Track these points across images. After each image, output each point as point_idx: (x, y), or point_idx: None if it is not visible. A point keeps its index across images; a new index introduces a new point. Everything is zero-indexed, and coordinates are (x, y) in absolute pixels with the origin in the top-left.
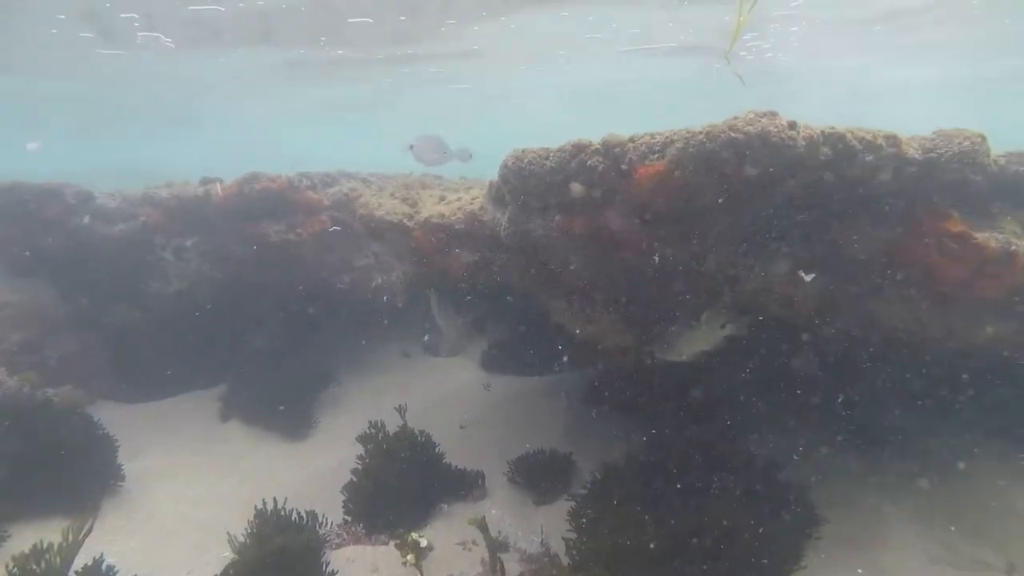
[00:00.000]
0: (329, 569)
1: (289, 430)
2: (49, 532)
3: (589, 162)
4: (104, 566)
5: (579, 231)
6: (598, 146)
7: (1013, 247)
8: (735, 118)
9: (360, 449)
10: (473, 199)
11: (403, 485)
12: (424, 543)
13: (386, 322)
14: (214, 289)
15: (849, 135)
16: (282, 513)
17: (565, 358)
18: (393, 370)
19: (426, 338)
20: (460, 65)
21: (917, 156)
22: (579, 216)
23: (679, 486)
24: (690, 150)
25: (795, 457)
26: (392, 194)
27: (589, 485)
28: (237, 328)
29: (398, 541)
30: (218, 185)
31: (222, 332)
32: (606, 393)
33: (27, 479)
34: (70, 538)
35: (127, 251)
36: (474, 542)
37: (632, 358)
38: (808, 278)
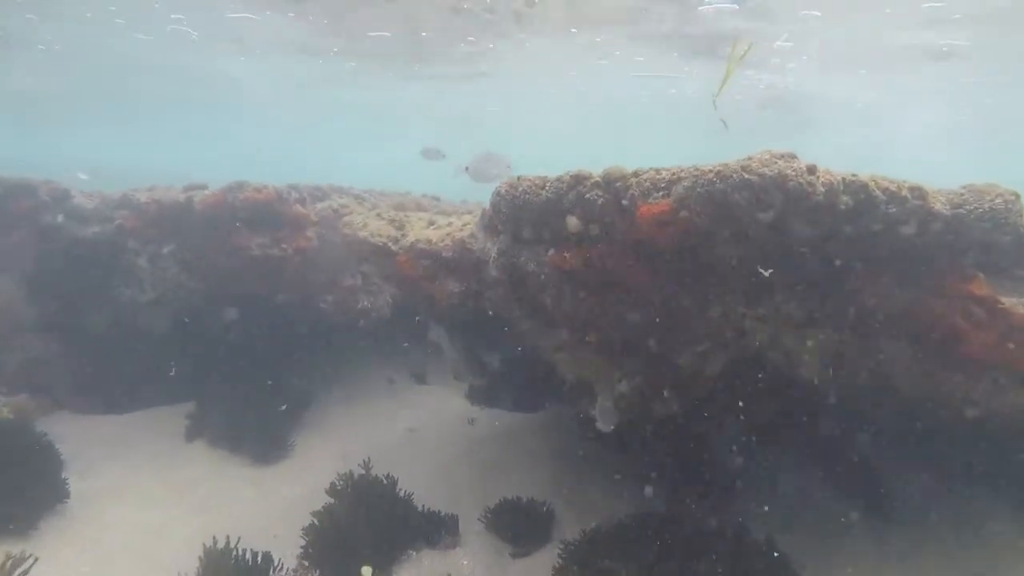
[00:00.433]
0: None
1: (258, 454)
2: None
3: (588, 195)
4: None
5: (573, 268)
6: (598, 179)
7: None
8: (749, 158)
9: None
10: (464, 225)
11: (368, 529)
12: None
13: (371, 346)
14: (191, 300)
15: (872, 184)
16: (235, 553)
17: (555, 398)
18: (376, 396)
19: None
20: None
21: (944, 211)
22: (574, 252)
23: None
24: (698, 190)
25: (796, 523)
26: (379, 215)
27: (573, 546)
28: (212, 343)
29: None
30: (201, 192)
31: (196, 346)
32: (598, 439)
33: None
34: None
35: (100, 255)
36: None
37: (625, 406)
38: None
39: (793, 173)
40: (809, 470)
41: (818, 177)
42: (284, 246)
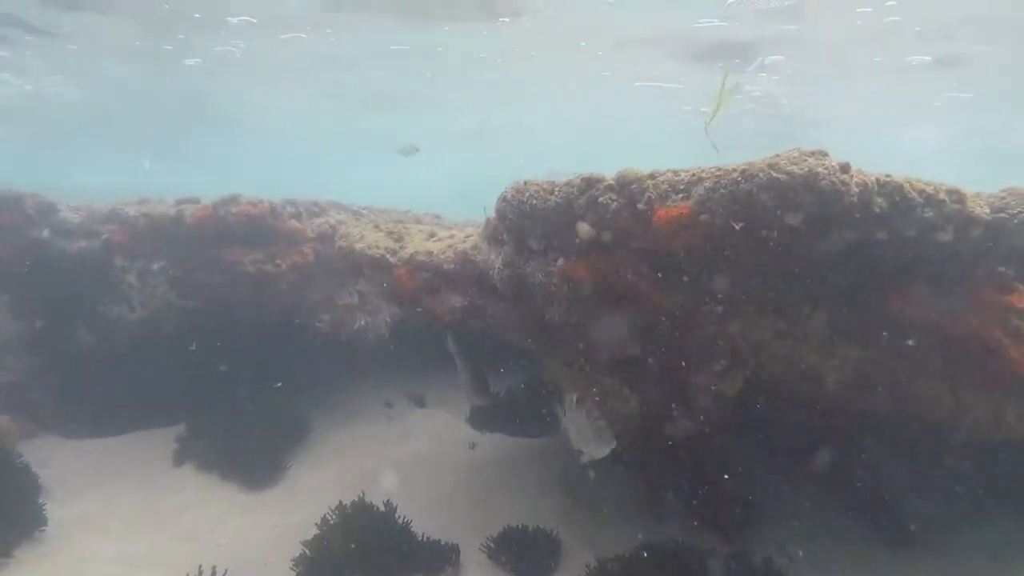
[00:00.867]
0: None
1: (250, 479)
2: None
3: (601, 199)
4: None
5: (584, 278)
6: (611, 181)
7: None
8: (777, 156)
9: (327, 506)
10: (466, 237)
11: (363, 559)
12: None
13: (368, 367)
14: (181, 319)
15: (907, 186)
16: None
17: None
18: (373, 421)
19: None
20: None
21: (984, 216)
22: (585, 261)
23: None
24: (721, 191)
25: (817, 551)
26: (377, 227)
27: None
28: (203, 363)
29: None
30: (193, 206)
31: (186, 367)
32: (607, 464)
33: None
34: None
35: (87, 271)
36: None
37: (637, 429)
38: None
39: (825, 172)
40: (830, 495)
41: (851, 177)
42: (279, 262)
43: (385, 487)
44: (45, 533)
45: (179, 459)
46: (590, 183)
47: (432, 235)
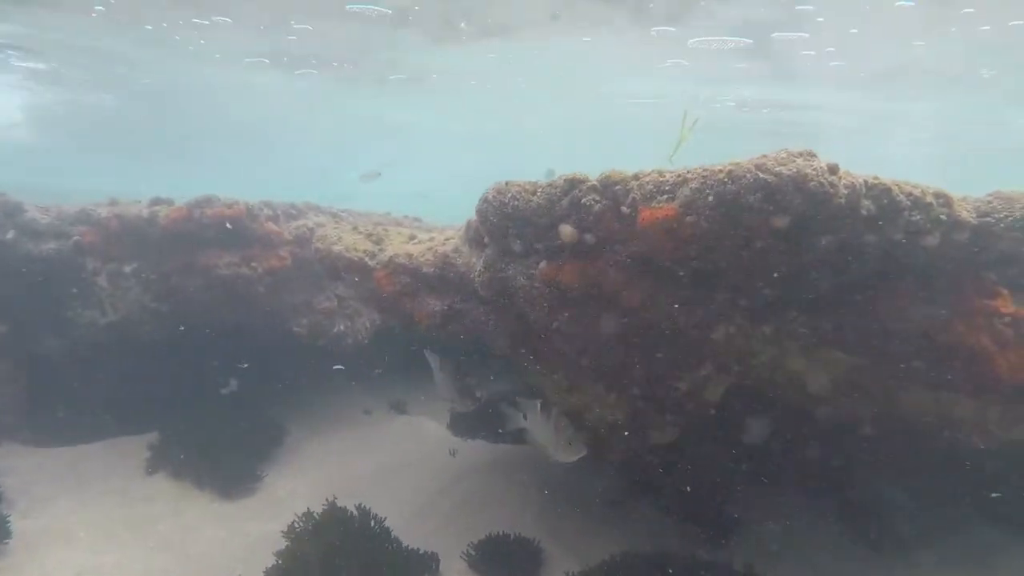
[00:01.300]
0: None
1: (225, 488)
2: None
3: (584, 200)
4: None
5: (567, 282)
6: (595, 182)
7: None
8: (764, 156)
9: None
10: (447, 239)
11: (338, 570)
12: None
13: (348, 373)
14: (154, 323)
15: (896, 188)
16: None
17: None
18: (352, 427)
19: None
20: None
21: (971, 220)
22: (568, 264)
23: None
24: (707, 192)
25: (802, 560)
26: (356, 229)
27: None
28: (177, 369)
29: None
30: (167, 207)
31: (159, 372)
32: (590, 471)
33: None
34: None
35: (55, 273)
36: None
37: (620, 436)
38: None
39: (813, 172)
40: (815, 502)
41: (840, 178)
42: (255, 265)
43: (363, 495)
44: (8, 546)
45: (152, 467)
46: (573, 184)
47: (412, 237)
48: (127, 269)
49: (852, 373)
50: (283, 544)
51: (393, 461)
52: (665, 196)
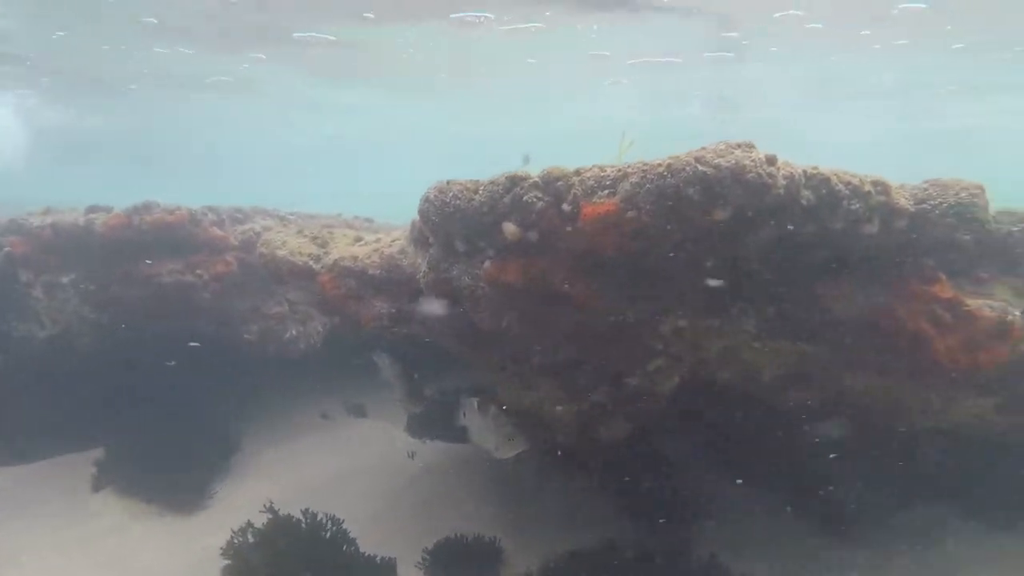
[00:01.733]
0: None
1: (176, 503)
2: None
3: (525, 198)
4: None
5: (512, 281)
6: (537, 179)
7: (1009, 317)
8: (704, 148)
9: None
10: (393, 241)
11: None
12: None
13: (302, 379)
14: (95, 335)
15: (834, 178)
16: None
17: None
18: (309, 433)
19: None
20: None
21: (908, 207)
22: (513, 262)
23: None
24: (647, 186)
25: (759, 547)
26: (300, 232)
27: None
28: (122, 382)
29: None
30: (105, 215)
31: (103, 386)
32: (548, 467)
33: None
34: None
35: None
36: None
37: (574, 433)
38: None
39: (752, 164)
40: (770, 489)
41: (778, 169)
42: (200, 272)
43: (321, 501)
44: None
45: (97, 484)
46: (514, 181)
47: (358, 239)
48: (64, 280)
49: (802, 362)
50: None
51: (351, 465)
52: (606, 191)
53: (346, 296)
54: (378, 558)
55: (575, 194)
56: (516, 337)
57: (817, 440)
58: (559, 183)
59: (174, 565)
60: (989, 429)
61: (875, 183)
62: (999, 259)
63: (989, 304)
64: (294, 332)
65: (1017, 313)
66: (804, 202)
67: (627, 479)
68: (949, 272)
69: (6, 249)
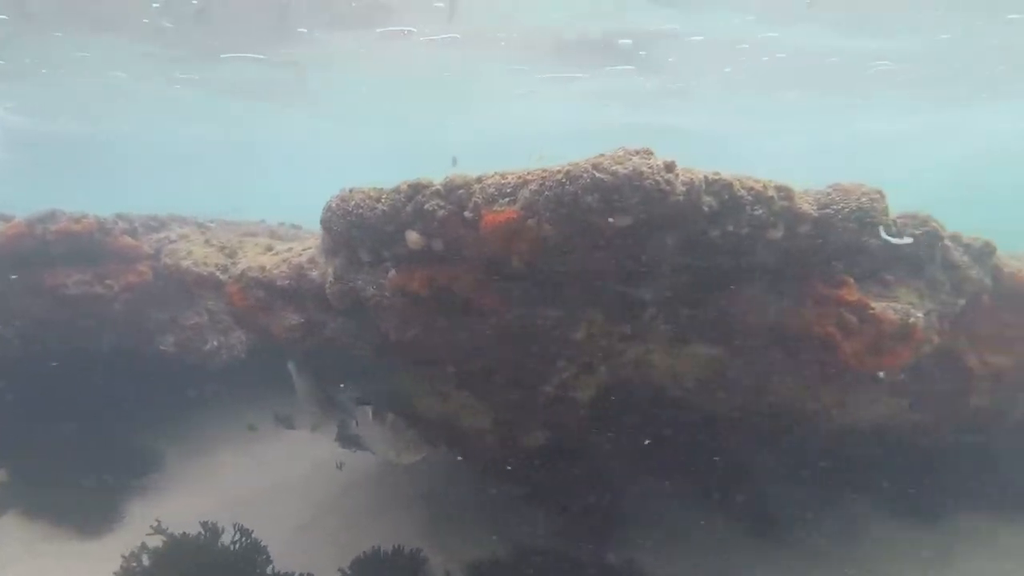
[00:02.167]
0: None
1: (87, 525)
2: None
3: (427, 206)
4: None
5: (418, 290)
6: (439, 187)
7: (912, 319)
8: (602, 155)
9: None
10: (304, 249)
11: None
12: None
13: (227, 390)
14: None
15: (737, 184)
16: None
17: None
18: (236, 445)
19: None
20: None
21: (812, 212)
22: (418, 272)
23: None
24: (546, 193)
25: (685, 550)
26: (208, 241)
27: None
28: (27, 399)
29: None
30: (3, 224)
31: (6, 402)
32: (475, 480)
33: None
34: None
35: None
36: None
37: (493, 443)
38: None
39: (649, 171)
40: (695, 493)
41: (677, 175)
42: (110, 282)
43: (245, 516)
44: None
45: (1, 507)
46: (416, 189)
47: (269, 248)
48: None
49: (718, 366)
50: None
51: (279, 478)
52: (507, 199)
53: (255, 307)
54: (297, 574)
55: (476, 202)
56: (426, 347)
57: (741, 442)
58: (461, 191)
59: None
60: (905, 428)
61: (778, 188)
62: (905, 262)
63: (893, 307)
64: (215, 343)
65: (920, 315)
66: (706, 208)
67: (550, 486)
68: (858, 276)
69: None
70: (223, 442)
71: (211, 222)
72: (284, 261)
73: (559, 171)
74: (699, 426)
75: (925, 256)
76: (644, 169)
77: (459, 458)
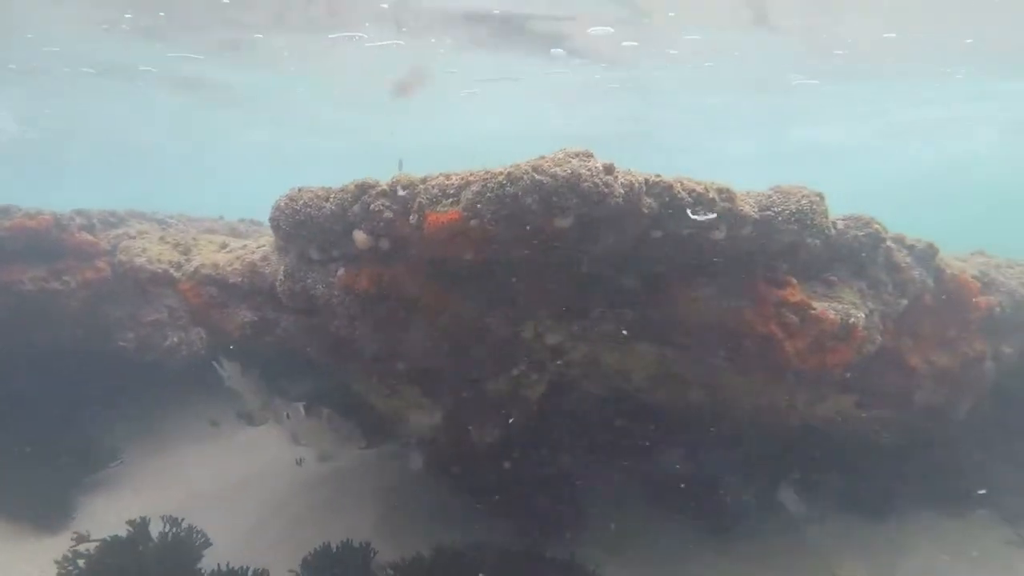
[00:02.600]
0: None
1: (44, 522)
2: None
3: (373, 206)
4: None
5: (366, 289)
6: (385, 187)
7: (852, 319)
8: (542, 157)
9: None
10: (258, 247)
11: None
12: None
13: (188, 387)
14: None
15: (677, 186)
16: None
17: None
18: (197, 442)
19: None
20: None
21: (753, 214)
22: (365, 271)
23: None
24: (488, 195)
25: (637, 548)
26: (163, 238)
27: None
28: None
29: None
30: None
31: None
32: (430, 477)
33: None
34: None
35: None
36: None
37: (445, 438)
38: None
39: (588, 173)
40: (647, 491)
41: (616, 178)
42: (67, 279)
43: (201, 513)
44: None
45: None
46: (363, 189)
47: (224, 246)
48: None
49: (666, 364)
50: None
51: (238, 474)
52: (450, 200)
53: (208, 305)
54: (250, 570)
55: (420, 203)
56: (376, 344)
57: (694, 439)
58: (405, 192)
59: None
60: (854, 424)
61: (720, 190)
62: (849, 263)
63: (834, 307)
64: (175, 339)
65: (861, 315)
66: (646, 210)
67: (503, 483)
68: (802, 276)
69: None
70: (184, 438)
71: (171, 218)
72: (238, 259)
73: (500, 173)
74: (652, 424)
75: (868, 257)
76: (583, 172)
77: (412, 454)
